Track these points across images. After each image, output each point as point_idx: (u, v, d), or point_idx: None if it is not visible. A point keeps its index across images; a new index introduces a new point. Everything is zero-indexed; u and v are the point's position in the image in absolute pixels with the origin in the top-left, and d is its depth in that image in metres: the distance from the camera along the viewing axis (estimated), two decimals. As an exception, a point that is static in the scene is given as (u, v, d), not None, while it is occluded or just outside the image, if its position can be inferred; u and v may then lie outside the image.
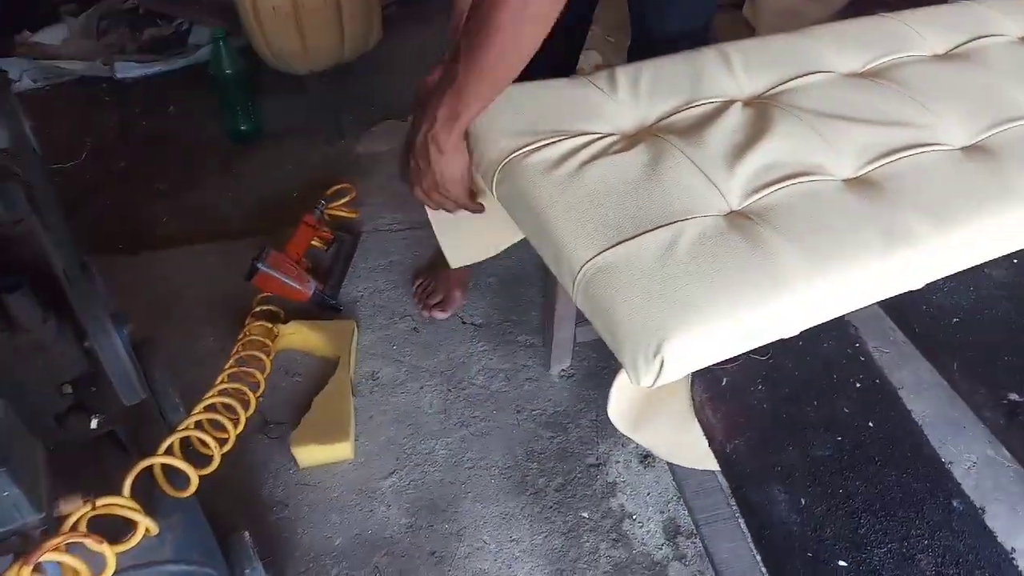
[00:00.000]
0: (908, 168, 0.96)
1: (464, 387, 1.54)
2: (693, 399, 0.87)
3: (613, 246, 0.85)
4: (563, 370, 1.55)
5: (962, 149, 1.01)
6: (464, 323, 1.65)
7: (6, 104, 1.09)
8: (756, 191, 0.92)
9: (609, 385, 1.51)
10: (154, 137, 2.23)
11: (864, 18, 1.26)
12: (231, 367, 1.38)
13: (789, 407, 0.82)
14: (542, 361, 1.57)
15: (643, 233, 0.86)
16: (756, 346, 0.83)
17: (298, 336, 1.59)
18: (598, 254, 0.85)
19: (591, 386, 1.53)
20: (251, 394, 1.33)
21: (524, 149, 0.98)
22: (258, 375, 1.40)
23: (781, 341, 0.84)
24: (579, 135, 1.00)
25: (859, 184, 0.94)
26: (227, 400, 1.23)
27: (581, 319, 1.45)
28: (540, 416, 1.49)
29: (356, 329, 1.61)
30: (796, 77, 1.11)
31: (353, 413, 1.47)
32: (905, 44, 1.20)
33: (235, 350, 1.46)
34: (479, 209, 1.09)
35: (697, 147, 0.97)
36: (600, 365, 1.56)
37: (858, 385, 0.85)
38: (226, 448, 1.15)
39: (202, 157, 2.15)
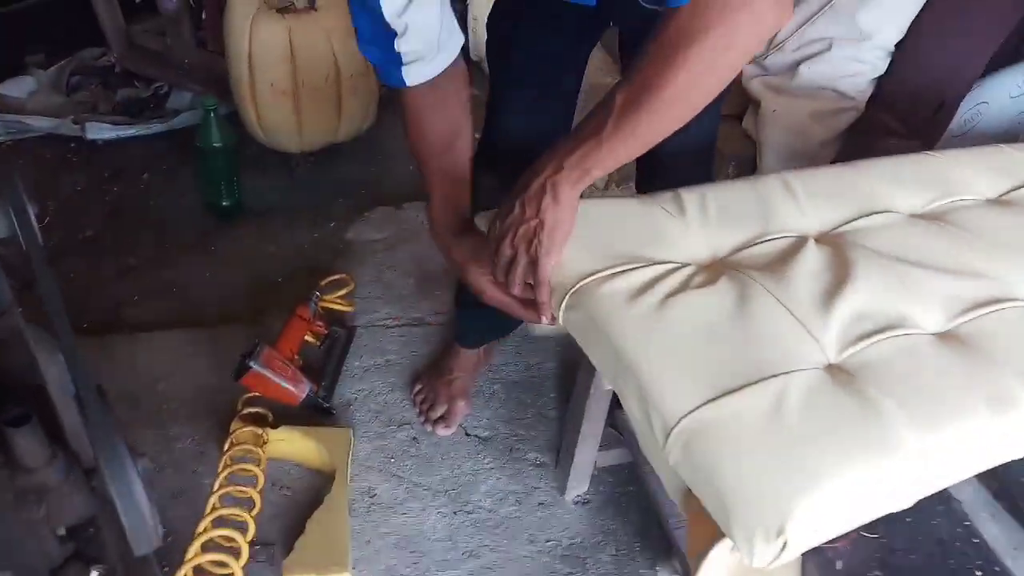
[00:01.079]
0: (996, 326, 0.92)
1: (471, 510, 1.42)
2: None
3: (715, 399, 0.78)
4: (579, 495, 1.45)
5: (1040, 307, 0.97)
6: (468, 435, 1.54)
7: (10, 188, 0.96)
8: (852, 343, 0.86)
9: (629, 512, 1.42)
10: (125, 206, 2.09)
11: (913, 156, 1.24)
12: (222, 486, 1.24)
13: (911, 598, 0.74)
14: (554, 483, 1.47)
15: (746, 386, 0.79)
16: (870, 519, 0.75)
17: (288, 444, 1.45)
18: (698, 407, 0.77)
19: (609, 515, 1.43)
20: (248, 516, 1.19)
21: (598, 275, 0.91)
22: (252, 493, 1.26)
23: (888, 516, 0.77)
24: (655, 264, 0.94)
25: (950, 340, 0.89)
26: (225, 532, 1.08)
27: (605, 443, 1.36)
28: (556, 548, 1.37)
29: (352, 438, 1.48)
30: (863, 216, 1.08)
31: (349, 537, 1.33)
32: (958, 186, 1.18)
33: (223, 463, 1.32)
34: (546, 313, 0.96)
35: (784, 288, 0.91)
36: (618, 491, 1.47)
37: (979, 573, 0.78)
38: (233, 592, 1.01)
39: (178, 232, 2.01)
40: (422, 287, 1.86)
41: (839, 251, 0.98)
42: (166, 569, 1.15)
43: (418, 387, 1.60)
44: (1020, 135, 2.04)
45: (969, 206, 1.15)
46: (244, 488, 1.26)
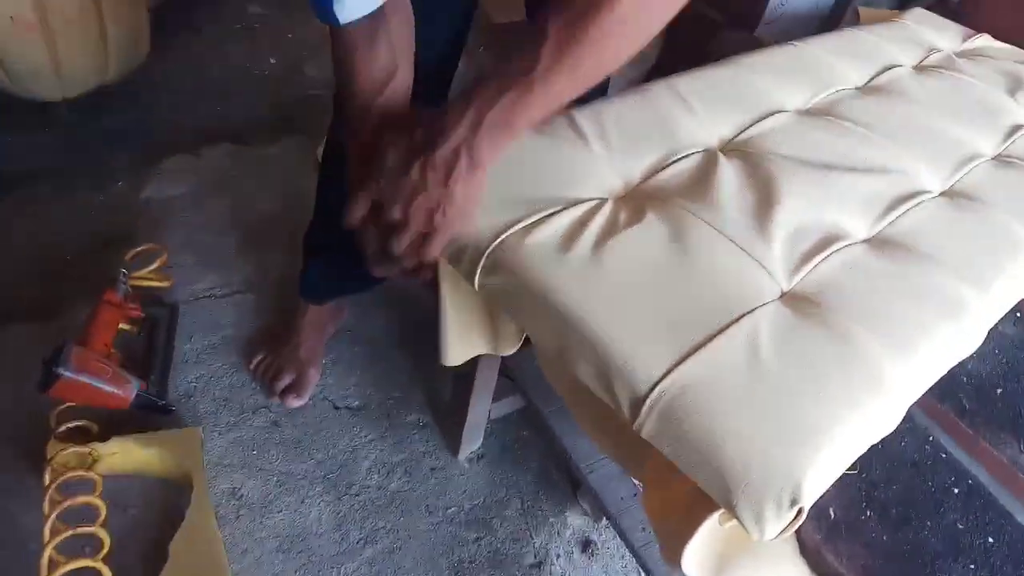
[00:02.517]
0: (918, 224, 0.90)
1: (356, 492, 1.26)
2: (802, 541, 0.72)
3: (686, 357, 0.68)
4: (472, 452, 1.34)
5: (945, 196, 0.97)
6: (337, 408, 1.37)
7: None
8: (798, 266, 0.80)
9: (527, 460, 1.33)
10: None
11: (780, 48, 1.20)
12: (56, 531, 1.00)
13: (908, 536, 0.70)
14: (442, 443, 1.34)
15: (714, 337, 0.69)
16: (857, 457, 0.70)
17: (124, 457, 1.21)
18: (672, 369, 0.67)
19: (507, 467, 1.33)
20: (100, 564, 0.97)
21: (516, 228, 0.77)
22: (96, 530, 1.04)
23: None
24: (572, 205, 0.81)
25: (884, 246, 0.85)
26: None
27: (498, 393, 1.25)
28: (457, 514, 1.26)
29: (203, 436, 1.27)
30: (758, 119, 1.01)
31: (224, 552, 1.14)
32: (831, 77, 1.16)
33: (47, 500, 1.07)
34: (427, 275, 0.84)
35: (714, 213, 0.82)
36: (510, 439, 1.37)
37: (956, 491, 0.76)
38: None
39: (-82, 214, 1.61)
40: (244, 246, 1.62)
41: (751, 162, 0.90)
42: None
43: (258, 357, 1.39)
44: (824, 15, 2.11)
45: (847, 97, 1.12)
46: (84, 528, 1.03)
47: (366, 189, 0.74)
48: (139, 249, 1.45)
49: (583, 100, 0.92)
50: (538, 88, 0.66)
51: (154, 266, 1.44)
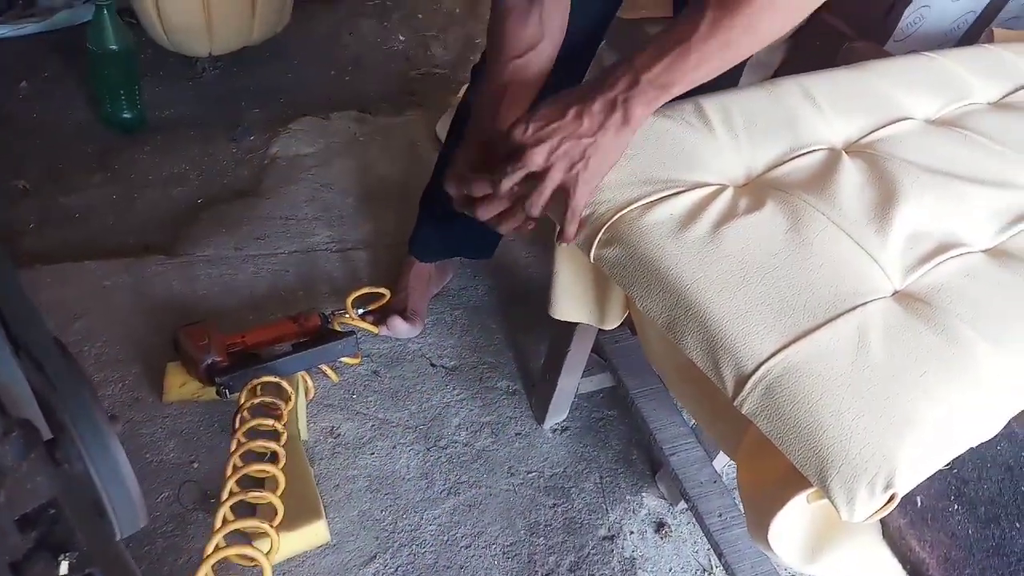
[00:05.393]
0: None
1: (445, 445, 1.32)
2: (886, 524, 0.74)
3: (795, 340, 0.70)
4: (557, 424, 1.38)
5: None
6: (434, 366, 1.43)
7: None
8: (914, 268, 0.81)
9: (609, 438, 1.36)
10: (4, 120, 1.80)
11: (912, 58, 1.18)
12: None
13: (993, 531, 0.71)
14: (528, 412, 1.39)
15: (824, 324, 0.72)
16: (958, 454, 0.71)
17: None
18: (779, 350, 0.70)
19: (589, 442, 1.37)
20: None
21: (636, 204, 0.81)
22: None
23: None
24: (693, 188, 0.84)
25: (1001, 256, 0.85)
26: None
27: (589, 369, 1.29)
28: (537, 479, 1.30)
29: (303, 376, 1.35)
30: (885, 124, 1.01)
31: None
32: (962, 90, 1.14)
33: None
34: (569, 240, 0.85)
35: (834, 208, 0.83)
36: (595, 417, 1.41)
37: (1051, 500, 0.76)
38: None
39: (71, 149, 1.76)
40: (362, 207, 1.70)
41: (875, 164, 0.91)
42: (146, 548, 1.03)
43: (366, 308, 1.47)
44: (957, 38, 2.05)
45: (978, 111, 1.11)
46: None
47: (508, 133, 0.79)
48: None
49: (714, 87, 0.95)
50: (695, 54, 0.72)
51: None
